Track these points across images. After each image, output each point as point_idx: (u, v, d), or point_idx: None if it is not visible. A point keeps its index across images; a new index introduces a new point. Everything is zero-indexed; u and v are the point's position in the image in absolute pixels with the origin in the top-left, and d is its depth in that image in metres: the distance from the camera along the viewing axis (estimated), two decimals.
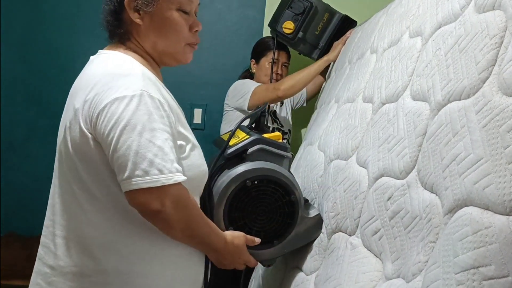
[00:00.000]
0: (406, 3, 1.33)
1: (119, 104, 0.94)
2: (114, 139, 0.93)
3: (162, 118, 0.97)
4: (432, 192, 0.83)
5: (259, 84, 2.18)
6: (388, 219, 0.93)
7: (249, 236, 1.15)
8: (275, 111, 2.36)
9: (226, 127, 2.23)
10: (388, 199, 0.95)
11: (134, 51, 1.10)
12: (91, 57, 1.12)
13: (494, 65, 0.78)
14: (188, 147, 1.06)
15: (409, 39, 1.18)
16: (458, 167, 0.76)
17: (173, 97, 1.10)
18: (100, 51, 1.12)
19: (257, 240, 1.16)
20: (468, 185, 0.72)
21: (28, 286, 1.10)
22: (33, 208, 2.56)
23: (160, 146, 0.94)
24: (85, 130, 0.98)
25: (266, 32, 2.60)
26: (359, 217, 1.05)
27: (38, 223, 2.58)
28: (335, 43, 2.15)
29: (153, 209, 0.95)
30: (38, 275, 1.07)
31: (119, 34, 1.10)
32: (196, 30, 1.13)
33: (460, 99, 0.83)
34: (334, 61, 2.09)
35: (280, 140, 1.27)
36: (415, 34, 1.15)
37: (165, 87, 1.09)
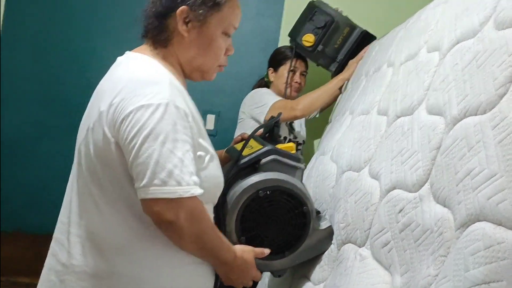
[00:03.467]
0: (425, 18, 1.33)
1: (144, 112, 0.93)
2: (136, 146, 0.93)
3: (185, 129, 0.97)
4: (445, 206, 0.83)
5: (278, 98, 2.17)
6: (399, 232, 0.93)
7: (258, 249, 1.14)
8: (292, 121, 2.36)
9: None
10: (400, 212, 0.94)
11: (164, 58, 1.09)
12: (118, 58, 1.11)
13: None
14: (207, 158, 1.05)
15: (426, 53, 1.18)
16: (472, 182, 0.76)
17: (195, 107, 1.10)
18: (127, 53, 1.11)
19: (266, 251, 1.16)
20: (482, 200, 0.72)
21: (35, 283, 1.11)
22: (42, 206, 2.60)
23: (180, 157, 0.94)
24: (108, 134, 0.98)
25: (282, 41, 2.62)
26: (369, 228, 1.04)
27: (47, 221, 2.61)
28: (350, 62, 2.16)
29: (167, 219, 0.94)
30: (51, 272, 1.07)
31: (158, 39, 1.09)
32: (229, 54, 1.16)
33: (476, 114, 0.83)
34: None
35: (294, 151, 1.27)
36: (433, 49, 1.15)
37: (189, 97, 1.09)
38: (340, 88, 2.16)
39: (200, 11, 1.07)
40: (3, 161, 2.62)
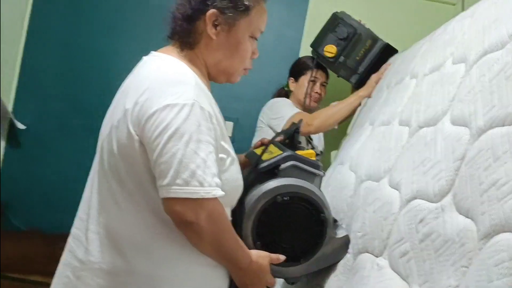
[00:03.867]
0: (451, 31, 1.33)
1: (169, 111, 0.94)
2: (160, 145, 0.93)
3: (209, 130, 0.97)
4: (467, 217, 0.81)
5: (295, 111, 2.16)
6: (418, 242, 0.91)
7: (273, 255, 1.13)
8: None
9: None
10: (420, 222, 0.93)
11: (190, 60, 1.09)
12: (144, 58, 1.12)
13: None
14: (228, 161, 1.06)
15: (452, 65, 1.17)
16: (498, 193, 0.74)
17: (219, 109, 1.10)
18: (153, 53, 1.11)
19: (282, 257, 1.15)
20: (507, 211, 0.70)
21: (47, 283, 1.11)
22: (59, 205, 2.61)
23: (203, 158, 0.94)
24: (133, 132, 0.98)
25: (303, 51, 2.62)
26: (388, 238, 1.03)
27: (62, 220, 2.62)
28: (369, 80, 2.07)
29: (187, 219, 0.95)
30: (68, 267, 1.07)
31: (185, 41, 1.09)
32: (254, 57, 1.17)
33: (503, 125, 0.82)
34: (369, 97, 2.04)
35: (313, 158, 1.27)
36: (459, 60, 1.14)
37: (214, 99, 1.09)
38: (359, 104, 2.14)
39: (229, 15, 1.07)
40: (24, 158, 2.65)
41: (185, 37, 1.10)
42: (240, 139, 2.61)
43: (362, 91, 2.07)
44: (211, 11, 1.06)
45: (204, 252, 1.02)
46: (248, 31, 1.11)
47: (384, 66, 2.09)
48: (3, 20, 2.44)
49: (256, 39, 1.15)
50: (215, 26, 1.08)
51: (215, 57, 1.11)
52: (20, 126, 2.58)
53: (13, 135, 2.65)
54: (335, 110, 2.10)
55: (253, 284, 1.10)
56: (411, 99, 1.33)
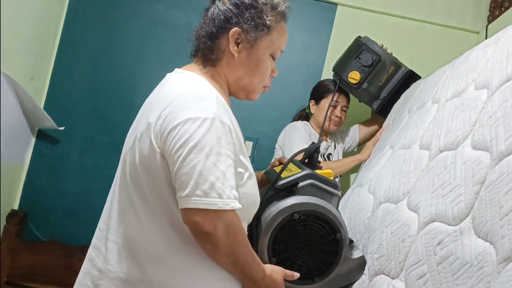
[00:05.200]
0: (474, 58, 1.33)
1: (191, 125, 0.96)
2: (182, 156, 0.95)
3: (228, 144, 0.99)
4: (486, 241, 0.81)
5: (301, 148, 2.16)
6: (436, 264, 0.91)
7: (288, 271, 1.14)
8: (330, 153, 2.36)
9: None
10: (438, 244, 0.93)
11: (212, 77, 1.13)
12: (168, 74, 1.16)
13: None
14: (246, 175, 1.07)
15: (474, 90, 1.18)
16: None
17: (238, 125, 1.12)
18: (176, 70, 1.16)
19: (296, 275, 1.15)
20: None
21: None
22: (80, 218, 2.66)
23: (223, 171, 0.96)
24: (155, 144, 1.01)
25: (325, 75, 2.65)
26: (405, 260, 1.02)
27: (82, 233, 2.66)
28: (367, 144, 2.19)
29: (205, 230, 0.96)
30: (87, 276, 1.09)
31: (208, 58, 1.14)
32: (274, 76, 1.21)
33: None
34: (365, 161, 2.12)
35: (332, 178, 1.28)
36: (481, 86, 1.15)
37: (233, 114, 1.11)
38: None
39: (251, 34, 1.11)
40: (48, 170, 2.72)
41: (208, 54, 1.14)
42: (259, 159, 2.63)
43: (360, 155, 2.17)
44: (234, 29, 1.11)
45: (219, 263, 1.03)
46: (269, 50, 1.15)
47: (379, 132, 2.15)
48: (36, 37, 2.54)
49: (275, 58, 1.18)
50: (237, 44, 1.12)
51: (236, 74, 1.14)
52: (59, 127, 2.64)
53: (38, 148, 2.72)
54: (337, 165, 2.18)
55: None
56: (432, 123, 1.33)
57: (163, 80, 1.16)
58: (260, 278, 1.07)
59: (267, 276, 1.08)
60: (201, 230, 0.96)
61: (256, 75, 1.16)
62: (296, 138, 2.23)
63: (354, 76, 2.22)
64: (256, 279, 1.06)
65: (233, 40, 1.11)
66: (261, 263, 1.08)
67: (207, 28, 1.14)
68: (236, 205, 0.97)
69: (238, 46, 1.12)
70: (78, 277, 1.12)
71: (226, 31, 1.12)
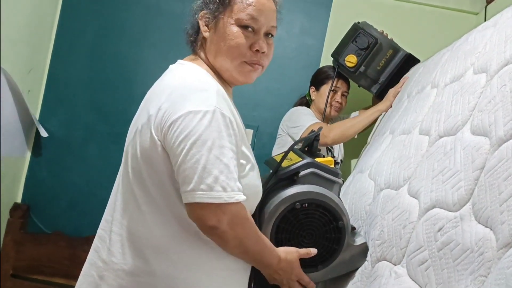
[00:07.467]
0: (473, 41, 1.33)
1: (192, 118, 0.96)
2: (184, 151, 0.95)
3: (230, 136, 0.99)
4: (486, 226, 0.81)
5: (315, 120, 2.17)
6: (437, 250, 0.91)
7: (302, 250, 1.15)
8: None
9: (278, 150, 2.25)
10: (439, 231, 0.93)
11: (210, 68, 1.15)
12: (171, 66, 1.16)
13: None
14: (248, 167, 1.08)
15: (473, 75, 1.17)
16: None
17: (240, 116, 1.12)
18: (179, 61, 1.16)
19: (313, 250, 1.16)
20: None
21: (70, 285, 1.14)
22: (83, 210, 2.67)
23: (226, 163, 0.96)
24: (155, 137, 1.01)
25: (324, 60, 2.63)
26: (406, 246, 1.03)
27: (86, 224, 2.67)
28: (388, 93, 2.08)
29: (209, 224, 0.97)
30: (93, 267, 1.10)
31: (193, 46, 1.18)
32: (257, 50, 1.11)
33: None
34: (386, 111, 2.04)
35: (332, 165, 1.28)
36: (480, 70, 1.14)
37: (234, 105, 1.12)
38: (377, 118, 2.13)
39: (213, 10, 1.12)
40: (50, 162, 2.72)
41: (192, 43, 1.18)
42: (260, 147, 2.64)
43: (380, 105, 2.07)
44: (202, 12, 1.14)
45: (231, 254, 1.05)
46: (231, 19, 1.10)
47: (402, 79, 2.09)
48: (32, 29, 2.52)
49: (249, 29, 1.10)
50: (207, 25, 1.14)
51: (211, 55, 1.13)
52: (44, 134, 2.64)
53: (39, 141, 2.72)
54: (352, 123, 2.10)
55: (283, 279, 1.12)
56: (432, 108, 1.33)
57: (165, 72, 1.16)
58: (275, 262, 1.09)
59: (282, 260, 1.10)
60: (206, 225, 0.97)
61: (225, 51, 1.10)
62: (304, 114, 2.23)
63: (350, 60, 2.21)
64: (271, 264, 1.09)
65: (202, 22, 1.14)
66: (274, 248, 1.10)
67: (191, 22, 1.19)
68: (241, 197, 0.98)
69: (208, 27, 1.14)
70: (84, 267, 1.14)
71: (200, 18, 1.15)
